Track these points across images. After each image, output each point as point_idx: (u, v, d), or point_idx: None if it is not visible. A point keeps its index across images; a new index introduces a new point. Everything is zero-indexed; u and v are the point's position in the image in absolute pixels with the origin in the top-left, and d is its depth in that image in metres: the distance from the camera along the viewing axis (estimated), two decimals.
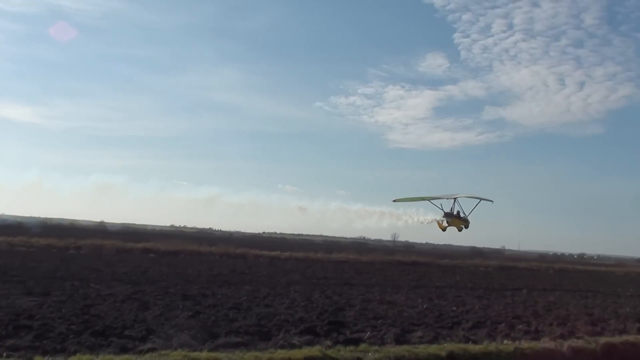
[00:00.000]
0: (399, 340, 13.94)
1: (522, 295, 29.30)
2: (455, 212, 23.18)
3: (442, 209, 23.36)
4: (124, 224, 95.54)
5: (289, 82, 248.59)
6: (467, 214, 23.18)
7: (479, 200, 22.69)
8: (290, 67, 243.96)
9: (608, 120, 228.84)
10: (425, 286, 31.34)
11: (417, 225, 26.39)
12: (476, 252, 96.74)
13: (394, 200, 25.08)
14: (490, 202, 23.20)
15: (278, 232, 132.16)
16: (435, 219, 23.62)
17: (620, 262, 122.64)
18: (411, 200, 25.06)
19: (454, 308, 21.54)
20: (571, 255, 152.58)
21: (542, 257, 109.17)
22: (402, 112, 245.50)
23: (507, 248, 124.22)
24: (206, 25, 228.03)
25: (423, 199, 23.99)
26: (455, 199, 23.20)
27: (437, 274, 43.32)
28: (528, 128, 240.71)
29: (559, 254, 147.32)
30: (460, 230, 23.36)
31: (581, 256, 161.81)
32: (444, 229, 23.62)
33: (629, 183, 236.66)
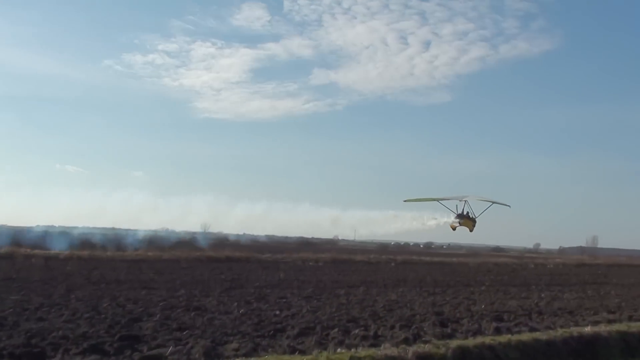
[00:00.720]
0: (209, 355, 14.74)
1: (358, 294, 31.61)
2: (465, 213, 32.14)
3: (456, 211, 32.39)
4: None
5: (69, 34, 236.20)
6: (475, 215, 32.60)
7: (491, 203, 31.61)
8: (70, 15, 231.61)
9: (457, 86, 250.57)
10: (241, 287, 32.66)
11: (434, 228, 36.00)
12: (304, 244, 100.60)
13: (404, 201, 35.18)
14: (508, 207, 33.96)
15: (57, 225, 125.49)
16: (450, 221, 32.78)
17: (473, 252, 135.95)
18: (421, 201, 34.34)
19: (277, 312, 22.88)
20: (416, 245, 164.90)
21: (383, 248, 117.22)
22: (213, 75, 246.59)
23: (341, 238, 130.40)
24: None
25: (433, 199, 32.83)
26: (465, 201, 31.91)
27: (257, 271, 45.01)
28: (364, 95, 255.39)
29: (401, 243, 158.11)
30: (471, 230, 32.73)
31: (428, 245, 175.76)
32: (454, 229, 32.76)
33: (477, 160, 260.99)
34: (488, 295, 34.50)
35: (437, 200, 33.02)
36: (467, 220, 32.79)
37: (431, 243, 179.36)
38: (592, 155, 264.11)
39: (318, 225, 53.06)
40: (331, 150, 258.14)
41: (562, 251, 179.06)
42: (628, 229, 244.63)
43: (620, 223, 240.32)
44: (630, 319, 26.04)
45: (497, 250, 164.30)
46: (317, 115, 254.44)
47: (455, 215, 32.52)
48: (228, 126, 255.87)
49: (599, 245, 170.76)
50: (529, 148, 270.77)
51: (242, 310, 23.02)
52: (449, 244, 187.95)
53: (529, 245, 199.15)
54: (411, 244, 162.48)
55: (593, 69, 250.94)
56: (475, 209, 32.59)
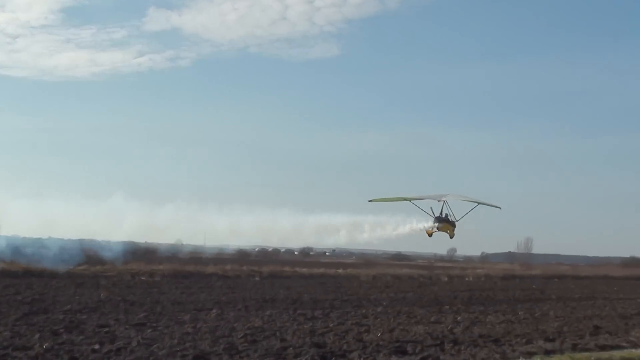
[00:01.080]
0: None
1: (210, 320, 31.95)
2: (444, 216, 36.28)
3: (432, 213, 36.48)
4: None
5: None
6: (456, 218, 36.65)
7: (476, 204, 35.97)
8: None
9: (347, 35, 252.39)
10: (46, 312, 32.20)
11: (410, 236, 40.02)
12: (135, 251, 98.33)
13: (369, 201, 39.23)
14: (498, 209, 38.18)
15: None
16: (426, 227, 37.36)
17: (367, 260, 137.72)
18: (389, 201, 39.12)
19: (97, 346, 22.83)
20: (290, 251, 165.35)
21: (243, 256, 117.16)
22: (7, 15, 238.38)
23: (186, 243, 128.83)
24: None
25: (405, 199, 36.97)
26: (444, 201, 35.91)
27: (68, 289, 44.51)
28: (219, 46, 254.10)
29: (269, 249, 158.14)
30: (452, 236, 37.17)
31: (306, 252, 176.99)
32: (430, 235, 37.18)
33: (373, 135, 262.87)
34: (386, 320, 35.37)
35: (409, 199, 36.70)
36: (446, 224, 36.46)
37: (310, 249, 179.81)
38: (527, 129, 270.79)
39: (155, 225, 52.55)
40: (173, 121, 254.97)
41: (485, 258, 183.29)
42: (572, 229, 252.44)
43: (562, 221, 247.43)
44: (574, 348, 27.40)
45: (399, 257, 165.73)
46: (154, 73, 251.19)
47: (434, 218, 36.37)
48: (28, 87, 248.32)
49: (534, 251, 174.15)
50: (442, 118, 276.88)
51: (46, 344, 22.70)
52: (334, 250, 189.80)
53: (441, 251, 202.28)
54: (282, 249, 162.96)
55: (528, 15, 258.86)
56: (455, 211, 36.46)
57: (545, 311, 43.75)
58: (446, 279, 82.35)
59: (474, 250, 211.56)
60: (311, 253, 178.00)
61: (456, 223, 36.85)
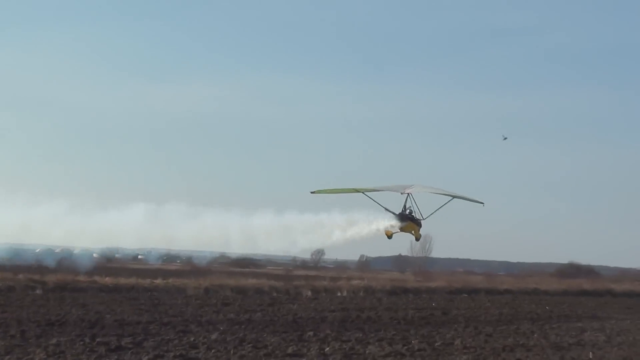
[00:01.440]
0: None
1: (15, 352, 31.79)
2: (408, 212, 38.66)
3: (390, 209, 38.61)
4: None
5: None
6: (423, 216, 39.32)
7: (450, 197, 38.32)
8: None
9: None
10: None
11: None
12: None
13: (312, 192, 41.49)
14: (481, 205, 40.51)
15: None
16: (385, 227, 39.40)
17: (197, 267, 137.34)
18: (337, 192, 41.81)
19: None
20: (87, 253, 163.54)
21: (19, 260, 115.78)
22: None
23: None
24: None
25: (357, 190, 39.24)
26: (408, 193, 38.03)
27: None
28: None
29: (56, 250, 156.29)
30: (418, 238, 40.89)
31: (109, 255, 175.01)
32: (390, 236, 39.50)
33: (214, 87, 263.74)
34: (224, 351, 35.66)
35: (362, 191, 38.95)
36: (411, 223, 38.73)
37: (115, 250, 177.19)
38: (423, 81, 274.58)
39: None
40: None
41: (365, 265, 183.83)
42: (488, 224, 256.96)
43: (473, 214, 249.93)
44: None
45: (243, 263, 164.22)
46: None
47: (396, 215, 38.48)
48: None
49: (434, 255, 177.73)
50: (305, 64, 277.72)
51: None
52: (150, 252, 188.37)
53: (305, 255, 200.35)
54: (75, 251, 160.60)
55: None
56: (422, 206, 38.71)
57: (449, 339, 44.44)
58: (310, 293, 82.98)
59: (350, 254, 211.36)
60: (116, 256, 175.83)
61: (422, 222, 39.09)
